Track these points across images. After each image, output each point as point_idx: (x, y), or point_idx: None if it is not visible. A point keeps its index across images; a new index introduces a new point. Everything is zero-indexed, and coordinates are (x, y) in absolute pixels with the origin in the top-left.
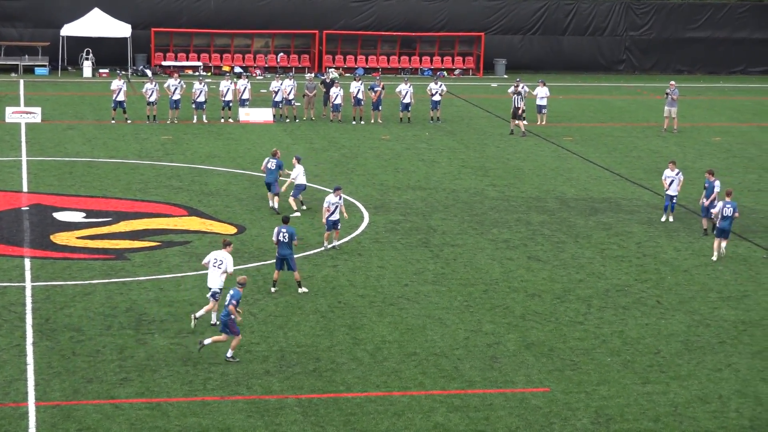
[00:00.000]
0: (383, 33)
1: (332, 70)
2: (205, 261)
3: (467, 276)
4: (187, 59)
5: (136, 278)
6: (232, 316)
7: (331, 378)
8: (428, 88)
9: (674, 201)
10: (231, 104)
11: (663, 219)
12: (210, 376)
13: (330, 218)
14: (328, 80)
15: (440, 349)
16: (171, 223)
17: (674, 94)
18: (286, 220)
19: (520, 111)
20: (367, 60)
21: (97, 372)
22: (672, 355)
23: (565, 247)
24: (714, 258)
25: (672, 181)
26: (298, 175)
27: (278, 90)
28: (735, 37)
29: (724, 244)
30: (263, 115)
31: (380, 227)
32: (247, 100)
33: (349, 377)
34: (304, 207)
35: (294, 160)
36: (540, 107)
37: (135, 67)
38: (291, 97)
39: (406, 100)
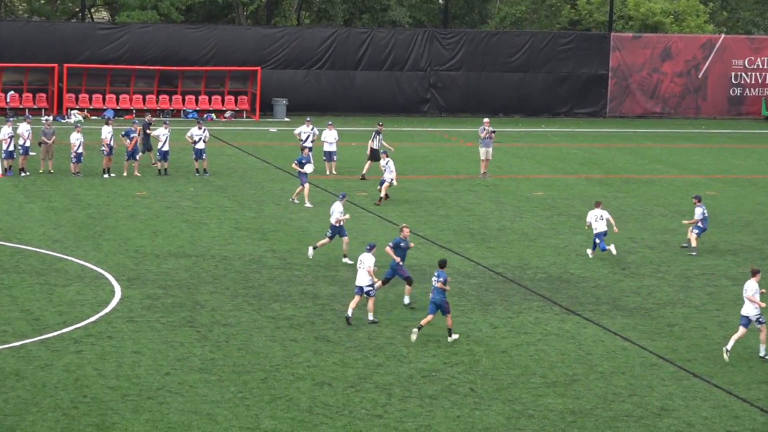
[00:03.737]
0: (138, 67)
1: (75, 112)
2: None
3: (242, 362)
4: None
5: None
6: None
7: None
8: (188, 134)
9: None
10: None
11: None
12: None
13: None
14: (148, 120)
15: None
16: None
17: (484, 132)
18: (442, 265)
19: (381, 153)
20: (118, 100)
21: None
22: None
23: (360, 324)
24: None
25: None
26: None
27: (10, 137)
28: (559, 73)
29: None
30: None
31: (135, 303)
32: None
33: None
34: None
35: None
36: (329, 154)
37: None
38: (28, 144)
39: (165, 148)
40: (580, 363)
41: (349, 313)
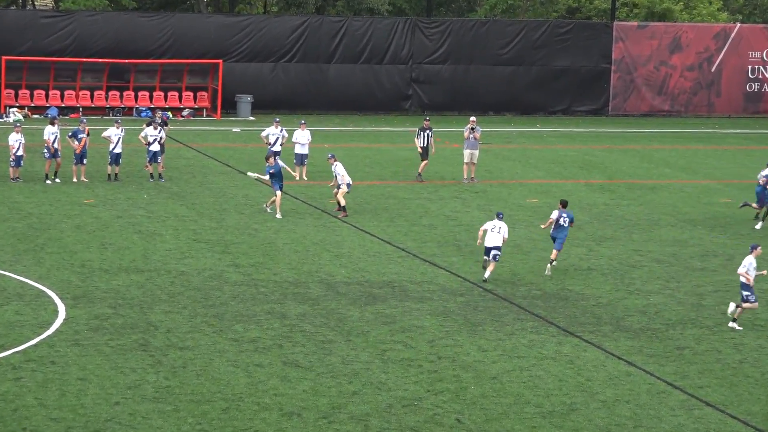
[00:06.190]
0: (85, 59)
1: (14, 110)
2: None
3: (201, 390)
4: None
5: None
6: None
7: None
8: (142, 134)
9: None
10: None
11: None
12: None
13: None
14: (159, 120)
15: None
16: None
17: (477, 133)
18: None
19: (431, 151)
20: (62, 96)
21: None
22: None
23: (334, 347)
24: None
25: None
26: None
27: None
28: (556, 66)
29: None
30: None
31: (81, 324)
32: None
33: None
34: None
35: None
36: (300, 156)
37: None
38: None
39: (117, 150)
40: (579, 390)
41: (486, 275)
